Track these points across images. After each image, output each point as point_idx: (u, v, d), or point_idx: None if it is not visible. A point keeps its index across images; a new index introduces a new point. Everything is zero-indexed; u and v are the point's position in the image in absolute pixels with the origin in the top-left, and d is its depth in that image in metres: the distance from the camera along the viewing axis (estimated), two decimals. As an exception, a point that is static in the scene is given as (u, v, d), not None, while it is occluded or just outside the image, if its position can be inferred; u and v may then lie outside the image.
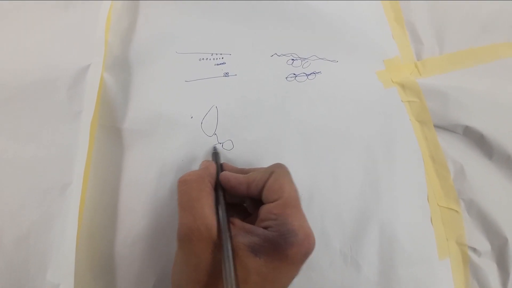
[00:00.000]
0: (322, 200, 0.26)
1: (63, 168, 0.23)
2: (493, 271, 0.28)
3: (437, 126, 0.30)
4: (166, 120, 0.25)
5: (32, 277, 0.22)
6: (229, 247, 0.16)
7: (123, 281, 0.23)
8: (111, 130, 0.25)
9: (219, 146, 0.25)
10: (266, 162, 0.23)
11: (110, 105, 0.26)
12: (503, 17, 0.32)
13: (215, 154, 0.24)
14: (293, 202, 0.18)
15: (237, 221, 0.19)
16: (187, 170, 0.25)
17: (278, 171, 0.19)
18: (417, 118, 0.30)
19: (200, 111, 0.26)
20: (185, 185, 0.19)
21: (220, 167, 0.23)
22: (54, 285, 0.21)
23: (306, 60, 0.29)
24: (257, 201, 0.20)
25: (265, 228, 0.17)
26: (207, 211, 0.18)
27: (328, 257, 0.25)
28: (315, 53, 0.30)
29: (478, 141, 0.29)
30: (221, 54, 0.28)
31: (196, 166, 0.25)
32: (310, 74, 0.29)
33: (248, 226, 0.18)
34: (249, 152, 0.26)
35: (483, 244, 0.28)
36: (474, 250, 0.28)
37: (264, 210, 0.18)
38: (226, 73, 0.28)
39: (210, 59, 0.28)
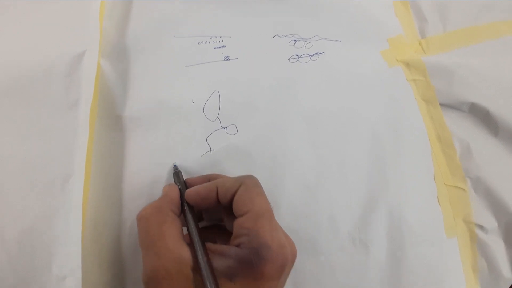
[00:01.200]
0: (329, 183, 0.26)
1: (64, 159, 0.23)
2: (500, 248, 0.28)
3: (442, 105, 0.29)
4: (167, 106, 0.25)
5: (37, 272, 0.21)
6: (208, 273, 0.15)
7: (131, 272, 0.23)
8: (111, 119, 0.24)
9: (179, 164, 0.24)
10: (271, 145, 0.23)
11: (108, 92, 0.25)
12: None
13: (176, 174, 0.22)
14: (265, 214, 0.17)
15: (210, 245, 0.18)
16: (190, 157, 0.24)
17: (247, 182, 0.18)
18: (423, 97, 0.29)
19: (201, 96, 0.26)
20: (142, 222, 0.17)
21: (184, 185, 0.21)
22: (60, 279, 0.21)
23: (308, 41, 0.29)
24: (232, 217, 0.19)
25: (238, 245, 0.17)
26: (172, 245, 0.16)
27: (337, 241, 0.25)
28: (318, 33, 0.29)
29: (484, 118, 0.29)
30: (220, 37, 0.27)
31: (198, 152, 0.24)
32: (313, 54, 0.28)
33: (221, 248, 0.17)
34: (253, 135, 0.25)
35: (490, 221, 0.28)
36: (481, 227, 0.28)
37: (236, 225, 0.17)
38: (227, 57, 0.27)
39: (209, 43, 0.27)
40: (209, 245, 0.18)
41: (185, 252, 0.16)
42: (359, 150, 0.27)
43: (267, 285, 0.16)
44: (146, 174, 0.24)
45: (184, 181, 0.22)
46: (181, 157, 0.24)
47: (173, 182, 0.22)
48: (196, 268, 0.16)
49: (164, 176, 0.24)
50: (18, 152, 0.22)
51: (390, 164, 0.27)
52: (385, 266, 0.26)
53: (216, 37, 0.27)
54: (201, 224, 0.21)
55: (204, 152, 0.25)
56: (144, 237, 0.17)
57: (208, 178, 0.21)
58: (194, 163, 0.24)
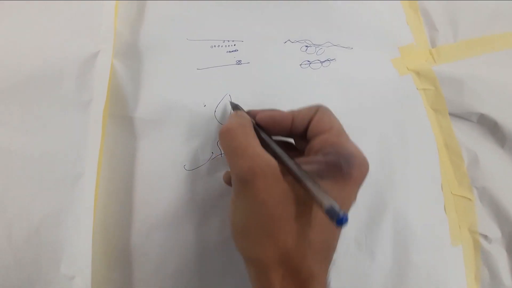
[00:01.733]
0: None
1: (74, 159, 0.23)
2: (503, 258, 0.28)
3: (451, 114, 0.29)
4: (178, 108, 0.25)
5: (44, 272, 0.21)
6: (301, 170, 0.16)
7: (140, 272, 0.23)
8: (122, 119, 0.24)
9: (234, 100, 0.25)
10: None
11: (121, 93, 0.25)
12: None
13: (236, 107, 0.23)
14: (345, 133, 0.19)
15: (292, 156, 0.18)
16: (201, 159, 0.25)
17: (323, 108, 0.20)
18: (432, 106, 0.30)
19: (213, 99, 0.26)
20: (230, 133, 0.18)
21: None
22: (69, 278, 0.21)
23: (320, 47, 0.29)
24: (302, 137, 0.20)
25: (324, 154, 0.18)
26: (260, 151, 0.17)
27: (343, 246, 0.26)
28: (329, 40, 0.29)
29: (492, 129, 0.29)
30: (233, 41, 0.27)
31: (209, 155, 0.25)
32: (325, 61, 0.28)
33: (304, 158, 0.18)
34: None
35: (494, 231, 0.28)
36: (485, 237, 0.28)
37: (318, 141, 0.18)
38: (239, 61, 0.27)
39: (222, 46, 0.27)
40: (291, 155, 0.18)
41: (272, 159, 0.17)
42: (368, 156, 0.27)
43: (353, 188, 0.17)
44: (156, 176, 0.24)
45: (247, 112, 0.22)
46: (191, 160, 0.24)
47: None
48: (285, 168, 0.17)
49: (174, 178, 0.24)
50: (28, 150, 0.22)
51: (398, 172, 0.27)
52: (390, 271, 0.26)
53: (228, 41, 0.27)
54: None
55: (214, 156, 0.25)
56: (234, 144, 0.18)
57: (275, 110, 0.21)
58: (205, 166, 0.24)
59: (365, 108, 0.28)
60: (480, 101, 0.29)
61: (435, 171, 0.28)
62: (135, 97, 0.25)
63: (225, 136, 0.18)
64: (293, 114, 0.20)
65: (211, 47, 0.27)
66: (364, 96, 0.28)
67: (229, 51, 0.27)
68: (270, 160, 0.17)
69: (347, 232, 0.26)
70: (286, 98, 0.27)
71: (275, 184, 0.16)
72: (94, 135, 0.23)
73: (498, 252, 0.28)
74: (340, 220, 0.13)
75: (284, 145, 0.22)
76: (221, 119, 0.25)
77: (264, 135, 0.19)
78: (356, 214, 0.26)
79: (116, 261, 0.23)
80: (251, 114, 0.21)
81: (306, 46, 0.29)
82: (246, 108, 0.23)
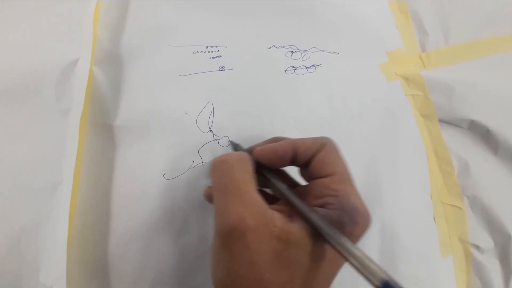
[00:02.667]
0: None
1: (53, 167, 0.22)
2: (495, 269, 0.27)
3: (441, 121, 0.29)
4: (159, 116, 0.24)
5: (26, 280, 0.21)
6: (310, 210, 0.14)
7: (118, 283, 0.23)
8: (102, 127, 0.24)
9: (233, 139, 0.24)
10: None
11: (100, 101, 0.24)
12: (509, 9, 0.31)
13: (236, 146, 0.22)
14: (350, 178, 0.17)
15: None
16: (181, 168, 0.24)
17: (330, 144, 0.17)
18: (421, 112, 0.29)
19: (195, 107, 0.25)
20: (225, 165, 0.16)
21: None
22: (46, 287, 0.21)
23: (305, 52, 0.28)
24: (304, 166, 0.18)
25: (323, 205, 0.16)
26: (255, 195, 0.15)
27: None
28: (315, 45, 0.28)
29: (484, 136, 0.28)
30: (216, 46, 0.27)
31: (189, 164, 0.24)
32: (310, 66, 0.28)
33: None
34: (246, 148, 0.25)
35: (486, 241, 0.28)
36: (477, 247, 0.28)
37: (319, 185, 0.16)
38: (222, 67, 0.27)
39: (205, 52, 0.27)
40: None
41: (267, 207, 0.15)
42: (354, 164, 0.26)
43: None
44: (135, 185, 0.23)
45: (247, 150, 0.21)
46: (171, 169, 0.24)
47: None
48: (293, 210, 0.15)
49: (153, 187, 0.23)
50: (7, 158, 0.22)
51: (386, 180, 0.27)
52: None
53: (212, 46, 0.27)
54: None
55: (195, 164, 0.24)
56: (227, 180, 0.15)
57: (274, 140, 0.20)
58: (185, 175, 0.24)
59: (351, 115, 0.27)
60: (471, 107, 0.28)
61: (424, 179, 0.28)
62: (115, 104, 0.25)
63: (219, 168, 0.16)
64: (296, 146, 0.17)
65: (194, 53, 0.27)
66: (351, 102, 0.28)
67: (212, 57, 0.27)
68: (264, 209, 0.15)
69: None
70: (271, 105, 0.27)
71: (267, 242, 0.14)
72: (72, 144, 0.23)
73: (490, 262, 0.28)
74: None
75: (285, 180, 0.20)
76: (202, 127, 0.25)
77: (272, 177, 0.18)
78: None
79: (93, 271, 0.23)
80: (255, 151, 0.19)
81: (291, 51, 0.28)
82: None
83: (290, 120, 0.26)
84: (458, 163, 0.28)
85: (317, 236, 0.15)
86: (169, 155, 0.24)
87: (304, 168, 0.18)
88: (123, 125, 0.24)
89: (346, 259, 0.14)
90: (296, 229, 0.15)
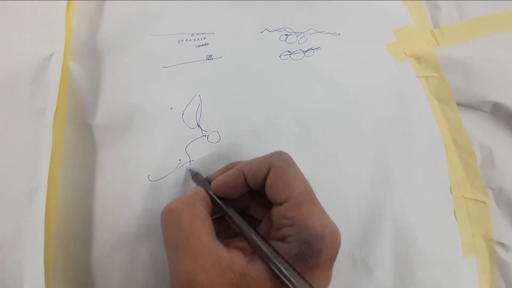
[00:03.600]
0: (325, 196, 0.22)
1: (30, 172, 0.21)
2: (523, 269, 0.24)
3: (460, 104, 0.25)
4: (142, 112, 0.22)
5: None
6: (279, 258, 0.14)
7: (102, 292, 0.21)
8: (81, 127, 0.22)
9: (193, 166, 0.22)
10: (257, 155, 0.20)
11: (78, 99, 0.23)
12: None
13: (196, 176, 0.20)
14: (307, 198, 0.15)
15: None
16: (168, 168, 0.22)
17: (277, 163, 0.16)
18: (436, 95, 0.26)
19: (180, 100, 0.23)
20: (171, 216, 0.15)
21: (208, 183, 0.19)
22: (31, 298, 0.20)
23: (302, 35, 0.25)
24: (261, 201, 0.17)
25: (283, 238, 0.15)
26: (209, 243, 0.14)
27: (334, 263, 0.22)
28: (313, 26, 0.26)
29: (509, 120, 0.25)
30: (202, 34, 0.25)
31: (176, 163, 0.22)
32: (308, 50, 0.25)
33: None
34: (238, 144, 0.23)
35: (513, 238, 0.24)
36: (503, 245, 0.25)
37: (276, 214, 0.16)
38: (210, 56, 0.24)
39: (190, 40, 0.24)
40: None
41: (224, 252, 0.14)
42: (361, 158, 0.24)
43: (322, 274, 0.14)
44: (119, 188, 0.22)
45: (206, 179, 0.20)
46: (157, 170, 0.22)
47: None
48: (243, 267, 0.14)
49: (138, 190, 0.21)
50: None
51: (397, 173, 0.24)
52: (391, 290, 0.23)
53: (197, 34, 0.24)
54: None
55: (183, 163, 0.22)
56: (174, 233, 0.15)
57: (230, 167, 0.19)
58: (171, 176, 0.22)
59: (355, 102, 0.25)
60: (493, 88, 0.25)
61: (443, 172, 0.25)
62: (94, 102, 0.23)
63: (165, 220, 0.15)
64: (243, 170, 0.17)
65: (178, 41, 0.24)
66: (354, 88, 0.25)
67: (199, 45, 0.24)
68: (219, 257, 0.14)
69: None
70: (265, 95, 0.24)
71: None
72: (48, 146, 0.21)
73: (518, 262, 0.24)
74: None
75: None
76: (189, 123, 0.23)
77: (229, 211, 0.17)
78: (347, 224, 0.23)
79: (77, 281, 0.21)
80: (210, 179, 0.19)
81: (286, 34, 0.25)
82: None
83: (286, 111, 0.24)
84: (480, 151, 0.25)
85: (278, 277, 0.14)
86: (154, 155, 0.22)
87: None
88: (103, 123, 0.22)
89: None
90: (256, 271, 0.14)
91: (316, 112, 0.24)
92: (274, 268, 0.14)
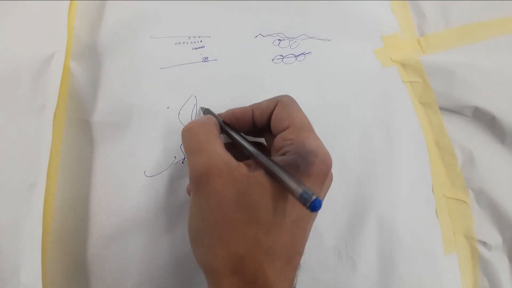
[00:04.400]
0: None
1: (30, 166, 0.22)
2: (504, 266, 0.25)
3: (442, 109, 0.27)
4: (139, 111, 0.23)
5: (8, 279, 0.20)
6: (270, 160, 0.15)
7: (98, 284, 0.22)
8: (80, 124, 0.23)
9: (204, 105, 0.24)
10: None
11: (78, 96, 0.23)
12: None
13: (207, 111, 0.23)
14: (306, 126, 0.18)
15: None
16: (163, 165, 0.23)
17: (283, 99, 0.18)
18: (420, 100, 0.27)
19: (177, 100, 0.24)
20: (190, 132, 0.18)
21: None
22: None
23: (294, 40, 0.27)
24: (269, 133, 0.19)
25: (283, 155, 0.17)
26: (220, 149, 0.17)
27: (321, 255, 0.23)
28: (305, 32, 0.27)
29: (489, 123, 0.26)
30: (199, 37, 0.26)
31: (171, 160, 0.23)
32: (299, 55, 0.26)
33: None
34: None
35: (494, 237, 0.26)
36: (484, 243, 0.26)
37: (277, 139, 0.18)
38: (205, 58, 0.25)
39: (187, 43, 0.25)
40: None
41: (232, 159, 0.17)
42: (348, 158, 0.25)
43: (313, 186, 0.16)
44: (115, 183, 0.22)
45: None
46: (153, 166, 0.23)
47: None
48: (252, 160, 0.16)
49: (134, 185, 0.22)
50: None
51: (382, 173, 0.25)
52: (374, 284, 0.24)
53: (194, 37, 0.26)
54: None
55: (178, 161, 0.23)
56: (194, 142, 0.17)
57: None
58: (167, 172, 0.23)
59: (344, 105, 0.26)
60: (474, 93, 0.26)
61: (425, 172, 0.26)
62: (93, 100, 0.24)
63: (186, 135, 0.18)
64: (253, 108, 0.19)
65: (176, 44, 0.25)
66: (344, 91, 0.26)
67: (195, 48, 0.25)
68: (229, 160, 0.16)
69: (325, 241, 0.24)
70: (257, 96, 0.25)
71: (231, 185, 0.15)
72: (47, 142, 0.22)
73: (499, 260, 0.26)
74: (313, 205, 0.13)
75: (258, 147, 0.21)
76: (185, 122, 0.24)
77: (233, 133, 0.19)
78: (334, 220, 0.24)
79: (74, 272, 0.22)
80: (221, 115, 0.21)
81: (279, 39, 0.26)
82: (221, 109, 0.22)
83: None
84: (461, 153, 0.26)
85: (276, 181, 0.15)
86: (150, 152, 0.23)
87: (269, 136, 0.19)
88: (101, 121, 0.23)
89: (279, 182, 0.15)
90: (257, 175, 0.16)
91: (306, 113, 0.25)
92: (270, 170, 0.15)
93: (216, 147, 0.17)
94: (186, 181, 0.23)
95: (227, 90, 0.25)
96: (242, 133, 0.20)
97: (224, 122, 0.20)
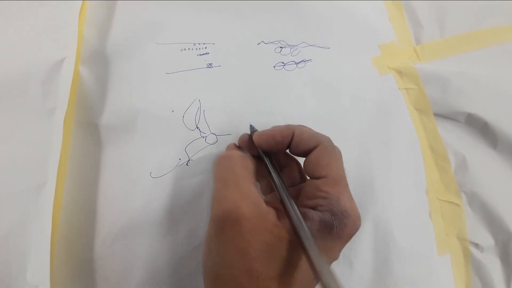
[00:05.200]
0: None
1: (38, 168, 0.22)
2: (496, 268, 0.26)
3: (437, 115, 0.28)
4: (145, 114, 0.24)
5: (14, 278, 0.21)
6: (299, 215, 0.15)
7: (103, 283, 0.22)
8: (88, 127, 0.24)
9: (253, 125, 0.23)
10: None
11: (87, 100, 0.24)
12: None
13: (253, 128, 0.22)
14: (342, 181, 0.17)
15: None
16: (168, 166, 0.24)
17: (325, 143, 0.18)
18: (415, 106, 0.28)
19: (181, 104, 0.25)
20: (228, 161, 0.17)
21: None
22: (33, 287, 0.21)
23: (295, 48, 0.28)
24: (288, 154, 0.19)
25: (314, 206, 0.17)
26: (253, 189, 0.16)
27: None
28: (305, 40, 0.28)
29: (482, 129, 0.27)
30: (204, 43, 0.27)
31: (176, 161, 0.24)
32: (300, 62, 0.27)
33: (302, 210, 0.17)
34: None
35: (486, 239, 0.27)
36: (476, 245, 0.27)
37: (311, 186, 0.17)
38: (210, 64, 0.26)
39: (192, 49, 0.26)
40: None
41: (263, 203, 0.16)
42: (346, 161, 0.26)
43: (339, 244, 0.16)
44: (122, 184, 0.23)
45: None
46: (158, 167, 0.24)
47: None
48: (285, 210, 0.16)
49: (140, 186, 0.23)
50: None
51: (379, 177, 0.26)
52: (370, 283, 0.25)
53: (199, 44, 0.27)
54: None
55: (182, 162, 0.24)
56: (227, 172, 0.16)
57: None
58: (171, 174, 0.24)
59: (343, 111, 0.27)
60: (467, 100, 0.27)
61: (420, 176, 0.27)
62: (101, 103, 0.24)
63: (221, 162, 0.17)
64: (294, 132, 0.18)
65: (181, 50, 0.26)
66: (342, 98, 0.27)
67: (200, 54, 0.26)
68: (260, 203, 0.15)
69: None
70: (259, 102, 0.26)
71: (260, 233, 0.14)
72: (57, 143, 0.22)
73: (491, 261, 0.27)
74: None
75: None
76: (189, 125, 0.25)
77: (275, 175, 0.18)
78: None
79: (79, 271, 0.22)
80: (258, 137, 0.20)
81: (281, 47, 0.27)
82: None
83: (279, 116, 0.26)
84: (455, 158, 0.27)
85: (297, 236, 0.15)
86: (156, 153, 0.24)
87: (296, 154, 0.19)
88: (109, 124, 0.24)
89: (316, 277, 0.14)
90: (287, 227, 0.15)
91: (306, 118, 0.26)
92: (298, 229, 0.15)
93: (250, 185, 0.16)
94: (190, 182, 0.24)
95: (230, 95, 0.26)
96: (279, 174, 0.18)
97: (264, 152, 0.19)
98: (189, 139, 0.24)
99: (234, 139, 0.25)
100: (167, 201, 0.23)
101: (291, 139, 0.18)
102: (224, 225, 0.15)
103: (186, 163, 0.24)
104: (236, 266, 0.14)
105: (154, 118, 0.24)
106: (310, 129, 0.19)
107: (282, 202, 0.17)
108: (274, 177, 0.18)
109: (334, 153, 0.18)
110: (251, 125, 0.23)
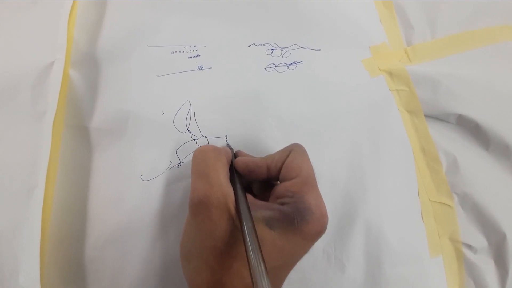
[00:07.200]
0: None
1: (29, 171, 0.22)
2: (490, 269, 0.26)
3: (428, 116, 0.28)
4: (135, 117, 0.24)
5: (7, 281, 0.21)
6: (249, 216, 0.16)
7: (94, 285, 0.22)
8: (78, 130, 0.24)
9: (229, 143, 0.25)
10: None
11: (77, 103, 0.24)
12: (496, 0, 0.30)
13: (228, 145, 0.24)
14: (311, 181, 0.18)
15: (250, 197, 0.19)
16: (159, 169, 0.24)
17: (296, 149, 0.19)
18: (406, 107, 0.28)
19: (172, 107, 0.25)
20: (202, 154, 0.19)
21: (234, 155, 0.22)
22: (24, 290, 0.21)
23: (286, 50, 0.28)
24: (265, 183, 0.21)
25: (281, 204, 0.17)
26: (223, 180, 0.18)
27: (311, 257, 0.24)
28: (296, 42, 0.28)
29: (473, 130, 0.27)
30: (195, 46, 0.27)
31: (167, 164, 0.24)
32: (291, 64, 0.27)
33: (261, 202, 0.19)
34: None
35: (479, 240, 0.26)
36: (469, 246, 0.27)
37: (280, 187, 0.18)
38: (201, 66, 0.26)
39: (183, 52, 0.26)
40: (250, 197, 0.19)
41: (231, 192, 0.17)
42: (337, 163, 0.26)
43: (302, 243, 0.17)
44: (112, 187, 0.23)
45: (235, 153, 0.23)
46: (149, 170, 0.23)
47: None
48: (237, 208, 0.17)
49: (130, 189, 0.23)
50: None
51: (370, 178, 0.26)
52: (362, 285, 0.24)
53: (190, 46, 0.27)
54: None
55: (173, 165, 0.24)
56: (201, 165, 0.18)
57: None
58: (162, 176, 0.24)
59: (334, 112, 0.27)
60: (458, 101, 0.27)
61: (411, 177, 0.27)
62: (91, 106, 0.24)
63: (197, 155, 0.19)
64: (267, 161, 0.19)
65: (172, 53, 0.26)
66: (333, 99, 0.27)
67: (191, 57, 0.26)
68: (229, 193, 0.17)
69: (315, 244, 0.24)
70: (250, 104, 0.26)
71: (226, 218, 0.16)
72: (46, 147, 0.22)
73: (484, 262, 0.26)
74: None
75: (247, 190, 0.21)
76: (180, 127, 0.25)
77: (234, 175, 0.19)
78: (323, 224, 0.25)
79: (70, 274, 0.22)
80: (238, 154, 0.22)
81: (272, 49, 0.28)
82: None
83: (270, 119, 0.26)
84: (446, 159, 0.27)
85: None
86: (146, 156, 0.24)
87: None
88: (99, 126, 0.24)
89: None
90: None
91: (297, 120, 0.26)
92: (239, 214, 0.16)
93: (221, 175, 0.18)
94: (181, 185, 0.24)
95: (221, 97, 0.26)
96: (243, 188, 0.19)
97: (236, 170, 0.20)
98: (180, 141, 0.24)
99: (224, 141, 0.25)
100: (158, 204, 0.23)
101: (268, 166, 0.19)
102: (196, 210, 0.17)
103: (177, 165, 0.24)
104: (204, 244, 0.16)
105: (144, 121, 0.24)
106: (281, 149, 0.20)
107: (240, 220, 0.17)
108: (236, 180, 0.19)
109: (304, 156, 0.19)
110: (227, 143, 0.24)
